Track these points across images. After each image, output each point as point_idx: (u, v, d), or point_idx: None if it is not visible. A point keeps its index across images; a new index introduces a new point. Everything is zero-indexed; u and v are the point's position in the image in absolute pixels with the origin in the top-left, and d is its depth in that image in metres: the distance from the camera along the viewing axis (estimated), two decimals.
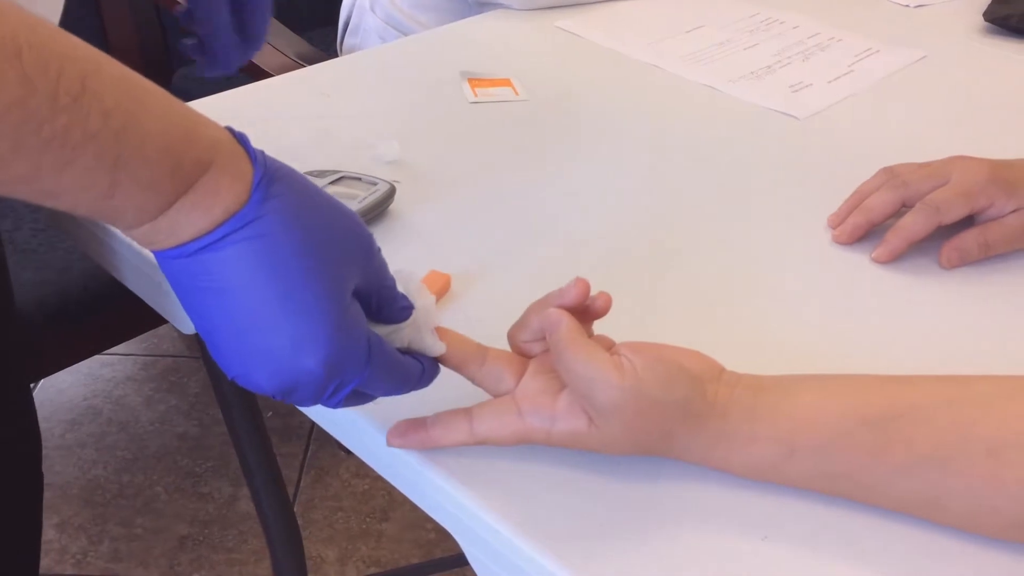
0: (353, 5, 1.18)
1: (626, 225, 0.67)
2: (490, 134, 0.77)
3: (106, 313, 1.13)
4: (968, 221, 0.63)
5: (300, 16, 1.50)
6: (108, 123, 0.33)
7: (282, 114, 0.79)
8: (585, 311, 0.46)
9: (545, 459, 0.47)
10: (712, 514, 0.44)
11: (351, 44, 1.19)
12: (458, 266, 0.60)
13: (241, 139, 0.39)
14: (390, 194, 0.65)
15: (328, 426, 0.54)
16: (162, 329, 1.65)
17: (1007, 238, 0.62)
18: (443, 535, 0.48)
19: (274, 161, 0.39)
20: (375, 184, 0.65)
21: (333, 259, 0.39)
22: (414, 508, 0.49)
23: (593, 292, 0.46)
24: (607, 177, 0.72)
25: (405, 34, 1.08)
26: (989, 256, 0.62)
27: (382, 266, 0.43)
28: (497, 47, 0.92)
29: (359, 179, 0.66)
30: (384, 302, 0.43)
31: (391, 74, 0.87)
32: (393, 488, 0.50)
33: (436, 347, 0.46)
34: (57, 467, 1.50)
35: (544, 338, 0.45)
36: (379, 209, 0.64)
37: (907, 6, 1.05)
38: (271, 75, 1.07)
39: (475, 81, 0.84)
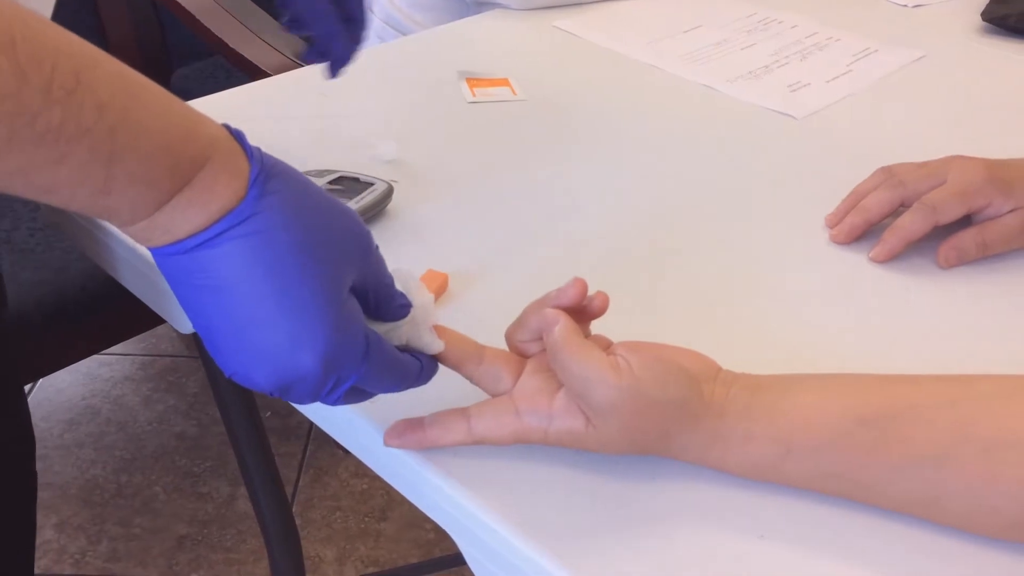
0: None
1: (624, 225, 0.67)
2: (488, 134, 0.77)
3: (104, 313, 1.13)
4: (965, 221, 0.63)
5: None
6: (103, 118, 0.33)
7: (280, 113, 0.79)
8: (582, 311, 0.46)
9: (542, 459, 0.47)
10: (709, 513, 0.45)
11: None
12: (456, 265, 0.60)
13: (238, 136, 0.39)
14: (388, 193, 0.65)
15: (326, 426, 0.54)
16: (160, 329, 1.65)
17: (1004, 237, 0.62)
18: (442, 535, 0.48)
19: (271, 158, 0.39)
20: (373, 184, 0.65)
21: (330, 256, 0.39)
22: (413, 508, 0.49)
23: (591, 292, 0.46)
24: (605, 177, 0.72)
25: (403, 34, 1.08)
26: (987, 256, 0.62)
27: (379, 263, 0.43)
28: (495, 47, 0.92)
29: (357, 179, 0.66)
30: (382, 300, 0.43)
31: (389, 74, 0.87)
32: (392, 488, 0.50)
33: (434, 345, 0.46)
34: (56, 467, 1.50)
35: (542, 338, 0.46)
36: (377, 208, 0.64)
37: (905, 6, 1.05)
38: (269, 75, 1.07)
39: (473, 81, 0.84)
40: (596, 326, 0.48)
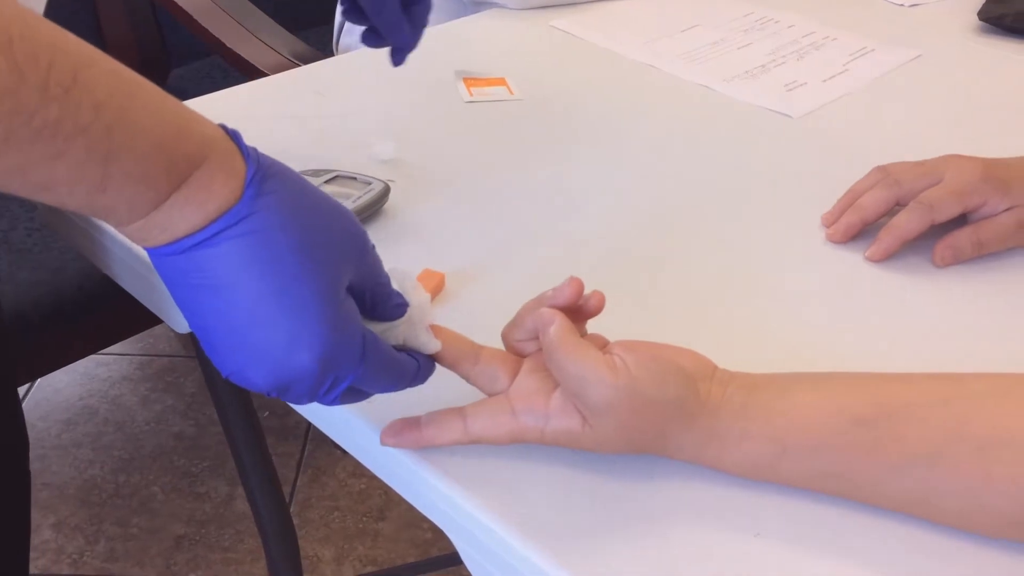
0: None
1: (620, 224, 0.67)
2: (485, 133, 0.78)
3: (101, 313, 1.13)
4: (961, 220, 0.63)
5: (296, 15, 1.50)
6: (99, 116, 0.33)
7: (277, 113, 0.79)
8: (579, 310, 0.47)
9: (539, 458, 0.47)
10: (705, 512, 0.45)
11: (347, 43, 1.19)
12: (453, 265, 0.60)
13: (234, 136, 0.39)
14: (385, 193, 0.65)
15: (323, 425, 0.54)
16: (158, 329, 1.65)
17: (1000, 236, 0.62)
18: (439, 534, 0.48)
19: (267, 158, 0.39)
20: (370, 183, 0.65)
21: (327, 255, 0.39)
22: (411, 507, 0.49)
23: (588, 291, 0.46)
24: (601, 176, 0.72)
25: None
26: (982, 254, 0.62)
27: (376, 263, 0.43)
28: (492, 46, 0.92)
29: (354, 178, 0.66)
30: (378, 299, 0.43)
31: (386, 73, 0.86)
32: (390, 487, 0.50)
33: (431, 344, 0.46)
34: (53, 467, 1.50)
35: (538, 337, 0.46)
36: (374, 208, 0.64)
37: (902, 5, 1.05)
38: (267, 74, 1.07)
39: (470, 80, 0.84)
40: (593, 325, 0.48)
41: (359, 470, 1.51)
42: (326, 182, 0.65)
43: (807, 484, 0.44)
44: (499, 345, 0.48)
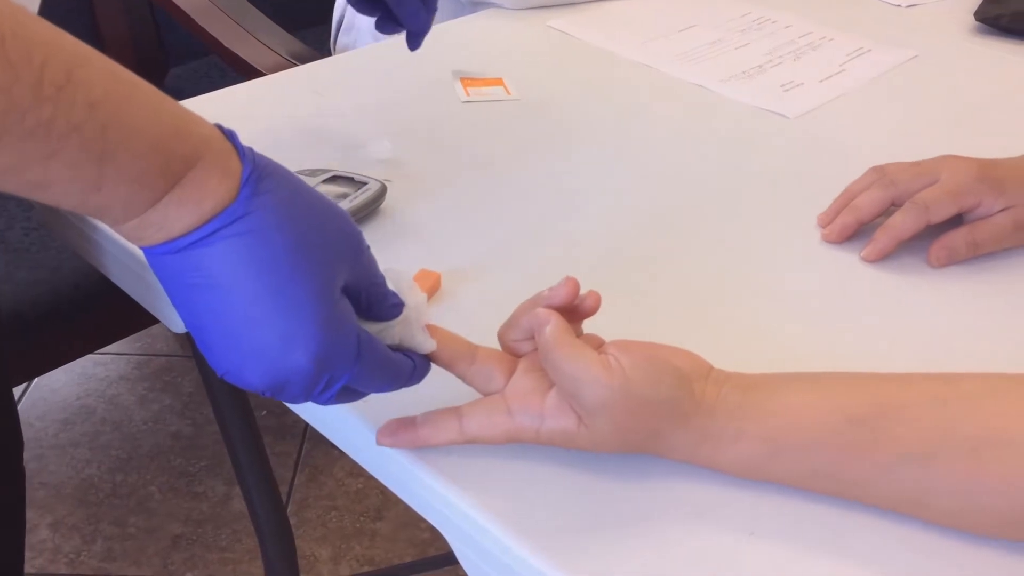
0: (346, 4, 1.18)
1: (617, 224, 0.67)
2: (482, 133, 0.78)
3: (99, 312, 1.13)
4: (957, 220, 0.63)
5: (294, 15, 1.50)
6: (94, 115, 0.33)
7: (274, 113, 0.79)
8: (575, 310, 0.47)
9: (534, 457, 0.47)
10: (700, 511, 0.45)
11: (344, 43, 1.19)
12: (449, 265, 0.60)
13: (230, 136, 0.39)
14: (381, 193, 0.65)
15: (319, 425, 0.54)
16: (155, 328, 1.65)
17: (995, 237, 0.62)
18: (437, 534, 0.48)
19: (263, 158, 0.39)
20: (366, 183, 0.65)
21: (322, 255, 0.39)
22: (408, 507, 0.49)
23: (584, 291, 0.46)
24: (598, 176, 0.72)
25: None
26: (977, 255, 0.62)
27: (371, 263, 0.43)
28: (490, 46, 0.92)
29: (351, 178, 0.66)
30: (374, 299, 0.43)
31: (383, 73, 0.87)
32: (387, 487, 0.50)
33: (426, 344, 0.46)
34: (51, 467, 1.50)
35: (534, 337, 0.46)
36: (370, 208, 0.64)
37: (899, 6, 1.05)
38: (264, 74, 1.07)
39: (467, 80, 0.84)
40: (589, 325, 0.48)
41: (357, 470, 1.51)
42: (323, 181, 0.65)
43: (801, 484, 0.44)
44: (495, 345, 0.48)
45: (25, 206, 1.18)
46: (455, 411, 0.46)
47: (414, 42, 0.72)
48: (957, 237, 0.62)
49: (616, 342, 0.45)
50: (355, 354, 0.41)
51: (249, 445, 0.87)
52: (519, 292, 0.48)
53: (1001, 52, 0.95)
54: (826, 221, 0.66)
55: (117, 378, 1.67)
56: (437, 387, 0.47)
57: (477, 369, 0.47)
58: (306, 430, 1.58)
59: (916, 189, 0.63)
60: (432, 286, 0.58)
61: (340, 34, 1.20)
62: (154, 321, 1.09)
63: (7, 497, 0.80)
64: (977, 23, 0.99)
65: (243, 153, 0.38)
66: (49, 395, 1.63)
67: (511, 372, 0.47)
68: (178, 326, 0.61)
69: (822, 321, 0.58)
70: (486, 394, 0.47)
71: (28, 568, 1.34)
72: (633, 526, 0.44)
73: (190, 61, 1.52)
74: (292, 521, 1.43)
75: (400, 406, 0.47)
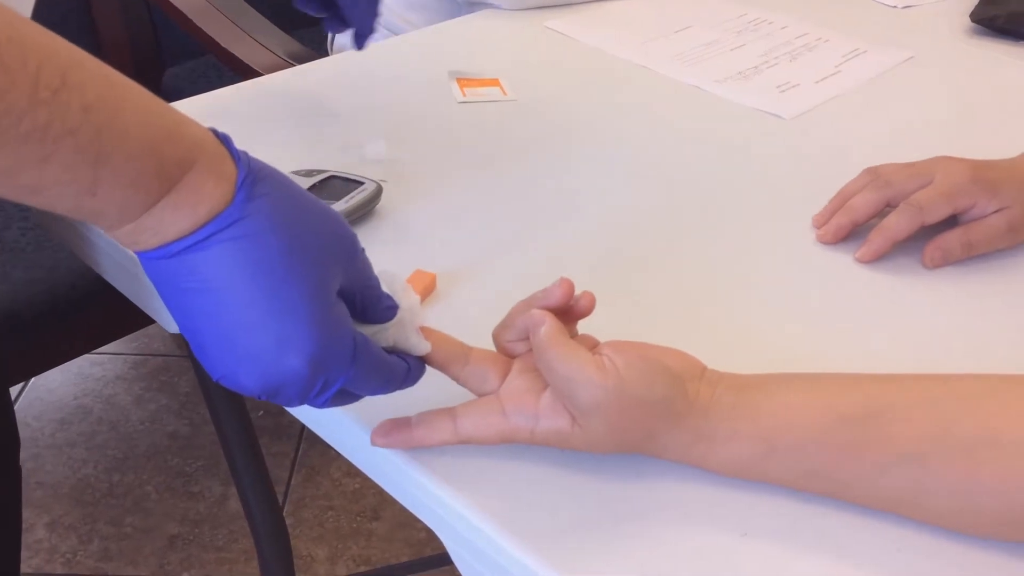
0: None
1: (612, 225, 0.67)
2: (478, 134, 0.78)
3: (95, 312, 1.13)
4: (951, 221, 0.63)
5: (291, 15, 1.50)
6: (89, 119, 0.33)
7: (271, 113, 0.79)
8: (569, 311, 0.47)
9: (528, 458, 0.47)
10: (693, 511, 0.45)
11: (342, 43, 1.19)
12: (444, 265, 0.60)
13: (224, 140, 0.39)
14: (377, 193, 0.65)
15: (314, 425, 0.54)
16: (152, 328, 1.65)
17: (989, 238, 0.62)
18: (433, 534, 0.48)
19: (257, 162, 0.39)
20: (362, 183, 0.65)
21: (317, 259, 0.39)
22: (404, 507, 0.50)
23: (579, 292, 0.47)
24: (594, 177, 0.73)
25: (395, 33, 1.08)
26: (971, 256, 0.63)
27: (366, 266, 0.43)
28: (486, 47, 0.92)
29: (347, 178, 0.66)
30: (369, 302, 0.44)
31: (380, 73, 0.87)
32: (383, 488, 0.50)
33: (421, 346, 0.46)
34: (47, 466, 1.50)
35: (528, 338, 0.46)
36: (366, 208, 0.64)
37: (895, 7, 1.05)
38: (261, 74, 1.07)
39: (463, 81, 0.85)
40: (584, 325, 0.48)
41: (353, 470, 1.50)
42: (319, 182, 0.65)
43: (795, 484, 0.44)
44: (490, 346, 0.48)
45: (22, 206, 1.17)
46: (449, 412, 0.46)
47: (360, 42, 0.73)
48: (951, 238, 0.62)
49: (610, 343, 0.46)
50: (350, 357, 0.41)
51: (245, 445, 0.87)
52: (514, 293, 0.49)
53: (997, 53, 0.95)
54: (821, 222, 0.66)
55: (114, 378, 1.67)
56: (432, 388, 0.47)
57: (471, 370, 0.47)
58: (303, 431, 1.58)
59: (910, 190, 0.63)
60: (427, 287, 0.58)
61: (337, 35, 1.20)
62: (150, 321, 1.09)
63: (3, 496, 0.80)
64: (973, 24, 0.99)
65: (238, 157, 0.38)
66: (46, 395, 1.63)
67: (505, 373, 0.47)
68: (173, 326, 0.61)
69: (817, 322, 0.58)
70: (480, 395, 0.47)
71: (25, 568, 1.34)
72: (627, 526, 0.44)
73: (187, 61, 1.52)
74: (289, 521, 1.43)
75: (395, 407, 0.47)
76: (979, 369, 0.46)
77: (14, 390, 1.61)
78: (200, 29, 1.25)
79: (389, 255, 0.61)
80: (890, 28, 1.00)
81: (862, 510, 0.44)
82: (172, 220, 0.36)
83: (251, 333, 0.38)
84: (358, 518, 1.45)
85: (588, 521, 0.44)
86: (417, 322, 0.46)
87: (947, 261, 0.62)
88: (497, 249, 0.64)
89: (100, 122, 0.33)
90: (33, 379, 1.64)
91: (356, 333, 0.42)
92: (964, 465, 0.42)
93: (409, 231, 0.65)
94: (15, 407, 1.57)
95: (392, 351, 0.45)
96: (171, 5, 1.27)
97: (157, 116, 0.36)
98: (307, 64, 0.91)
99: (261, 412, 1.59)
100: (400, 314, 0.45)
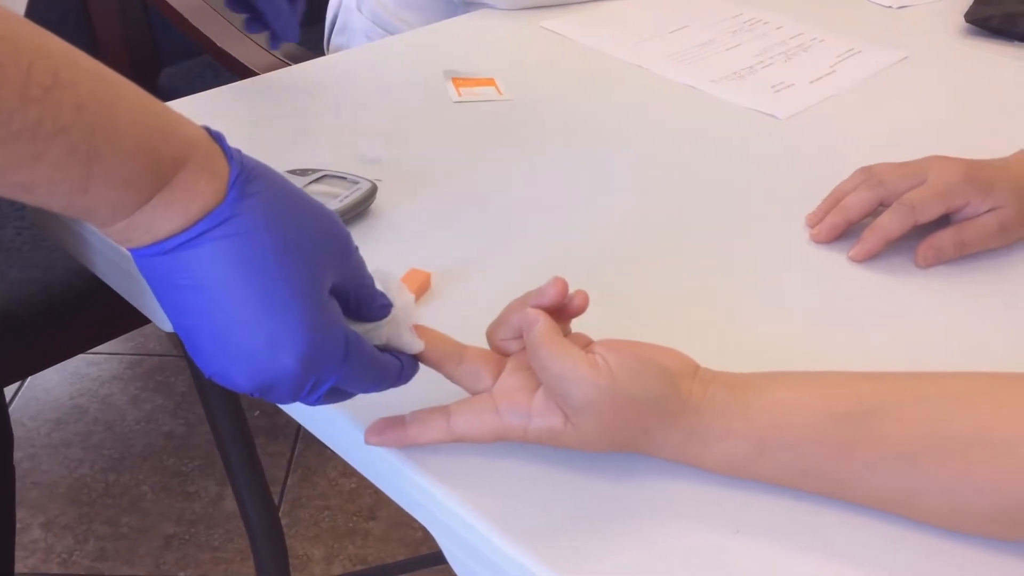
0: (339, 5, 1.18)
1: (606, 224, 0.67)
2: (473, 133, 0.78)
3: (91, 311, 1.13)
4: (944, 220, 0.63)
5: None
6: (81, 116, 0.33)
7: (266, 112, 0.79)
8: (563, 310, 0.47)
9: (521, 456, 0.47)
10: (686, 509, 0.45)
11: (338, 43, 1.19)
12: (439, 264, 0.61)
13: (217, 138, 0.39)
14: (372, 192, 0.65)
15: (308, 424, 0.54)
16: (148, 328, 1.65)
17: (982, 237, 0.62)
18: (430, 534, 0.48)
19: (251, 160, 0.39)
20: (357, 183, 0.65)
21: (310, 257, 0.39)
22: (401, 507, 0.50)
23: (572, 291, 0.47)
24: (588, 177, 0.73)
25: (391, 33, 1.08)
26: (964, 255, 0.63)
27: (359, 264, 0.43)
28: (481, 47, 0.93)
29: (342, 177, 0.66)
30: (362, 300, 0.44)
31: (375, 73, 0.87)
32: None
33: (414, 344, 0.46)
34: (43, 466, 1.50)
35: (522, 336, 0.46)
36: (360, 207, 0.65)
37: (890, 7, 1.05)
38: (257, 74, 1.07)
39: (459, 80, 0.85)
40: (577, 324, 0.48)
41: (350, 470, 1.50)
42: (314, 181, 0.66)
43: (788, 482, 0.45)
44: (484, 344, 0.48)
45: (18, 205, 1.18)
46: (443, 410, 0.46)
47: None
48: (944, 237, 0.62)
49: (604, 341, 0.46)
50: (343, 355, 0.41)
51: (240, 445, 0.87)
52: (508, 292, 0.49)
53: (991, 53, 0.95)
54: (815, 221, 0.66)
55: (110, 378, 1.67)
56: (425, 387, 0.47)
57: (465, 369, 0.47)
58: (299, 430, 1.58)
59: (904, 189, 0.63)
60: (422, 286, 0.58)
61: (334, 35, 1.20)
62: (147, 321, 1.10)
63: None
64: (967, 24, 0.99)
65: (230, 155, 0.38)
66: (42, 395, 1.62)
67: (499, 371, 0.47)
68: (168, 325, 0.61)
69: (810, 320, 0.58)
70: (474, 393, 0.47)
71: (21, 568, 1.34)
72: (620, 524, 0.44)
73: (183, 61, 1.52)
74: (285, 521, 1.43)
75: (389, 406, 0.47)
76: (972, 368, 0.47)
77: (10, 390, 1.61)
78: (196, 29, 1.25)
79: (384, 254, 0.61)
80: (885, 28, 1.00)
81: (855, 508, 0.44)
82: (164, 217, 0.37)
83: (243, 331, 0.38)
84: (354, 518, 1.45)
85: (581, 519, 0.45)
86: (411, 320, 0.46)
87: (940, 260, 0.62)
88: (491, 248, 0.64)
89: (92, 120, 0.34)
90: (29, 379, 1.64)
91: (349, 331, 0.42)
92: (956, 464, 0.42)
93: (404, 230, 0.65)
94: (11, 407, 1.58)
95: (386, 349, 0.45)
96: (167, 5, 1.27)
97: (150, 115, 0.36)
98: (302, 64, 0.91)
99: (257, 412, 1.60)
100: (394, 312, 0.45)
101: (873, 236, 0.62)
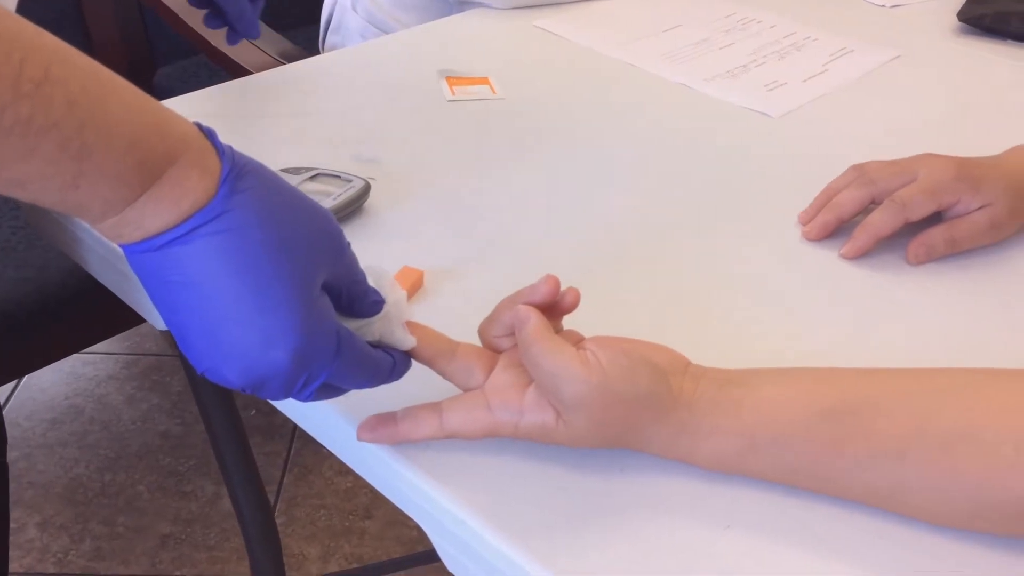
0: (335, 4, 1.18)
1: (599, 222, 0.67)
2: (467, 132, 0.78)
3: (87, 311, 1.13)
4: (935, 218, 0.63)
5: (284, 15, 1.50)
6: (72, 112, 0.33)
7: (261, 111, 0.79)
8: (555, 307, 0.47)
9: (513, 452, 0.47)
10: (677, 504, 0.45)
11: (333, 43, 1.19)
12: (432, 262, 0.61)
13: (209, 134, 0.39)
14: (365, 191, 0.65)
15: (301, 421, 0.54)
16: (144, 327, 1.65)
17: (972, 234, 0.63)
18: (426, 533, 0.48)
19: (242, 156, 0.40)
20: (351, 181, 0.65)
21: (301, 253, 0.40)
22: (397, 506, 0.50)
23: (564, 287, 0.47)
24: (582, 175, 0.73)
25: (386, 32, 1.08)
26: (955, 252, 0.63)
27: (352, 261, 0.44)
28: (475, 46, 0.93)
29: (336, 176, 0.66)
30: (355, 296, 0.44)
31: (370, 72, 0.87)
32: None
33: (406, 341, 0.46)
34: (39, 466, 1.50)
35: (514, 333, 0.46)
36: (354, 206, 0.65)
37: (883, 6, 1.06)
38: (252, 73, 1.07)
39: (453, 79, 0.85)
40: (569, 321, 0.48)
41: (346, 468, 1.50)
42: (307, 179, 0.66)
43: (777, 478, 0.45)
44: (477, 341, 0.49)
45: (12, 204, 1.18)
46: (435, 406, 0.46)
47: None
48: (935, 235, 0.63)
49: (595, 338, 0.46)
50: (334, 351, 0.41)
51: (235, 444, 0.87)
52: (501, 290, 0.49)
53: (984, 52, 0.95)
54: (806, 219, 0.66)
55: (106, 377, 1.67)
56: (418, 383, 0.47)
57: (457, 365, 0.47)
58: (295, 429, 1.58)
59: (895, 187, 0.63)
60: (415, 283, 0.59)
61: (329, 34, 1.20)
62: (142, 320, 1.10)
63: None
64: (960, 23, 0.99)
65: (222, 151, 0.38)
66: (38, 394, 1.62)
67: (491, 368, 0.47)
68: (162, 323, 0.61)
69: (802, 317, 0.59)
70: (466, 390, 0.47)
71: (16, 567, 1.34)
72: (611, 520, 0.45)
73: (178, 60, 1.52)
74: (281, 520, 1.43)
75: (381, 402, 0.48)
76: (963, 364, 0.47)
77: (6, 389, 1.61)
78: (192, 29, 1.25)
79: (377, 252, 0.62)
80: (878, 27, 1.00)
81: (844, 503, 0.45)
82: (155, 214, 0.37)
83: (235, 327, 0.38)
84: (350, 517, 1.45)
85: (573, 514, 0.45)
86: (403, 317, 0.46)
87: (931, 257, 0.63)
88: (485, 246, 0.64)
89: (83, 116, 0.34)
90: (25, 378, 1.63)
91: (340, 327, 0.42)
92: (943, 459, 0.42)
93: (397, 228, 0.65)
94: (7, 406, 1.58)
95: (378, 345, 0.46)
96: (163, 5, 1.27)
97: (141, 111, 0.36)
98: (296, 63, 0.91)
99: (254, 411, 1.60)
100: (386, 309, 0.45)
101: (864, 234, 0.63)
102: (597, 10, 1.01)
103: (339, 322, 0.42)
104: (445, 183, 0.71)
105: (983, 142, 0.70)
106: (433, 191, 0.69)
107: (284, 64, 0.98)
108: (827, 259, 0.64)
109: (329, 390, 0.44)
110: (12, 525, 1.37)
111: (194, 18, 1.26)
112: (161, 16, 1.29)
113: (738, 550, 0.43)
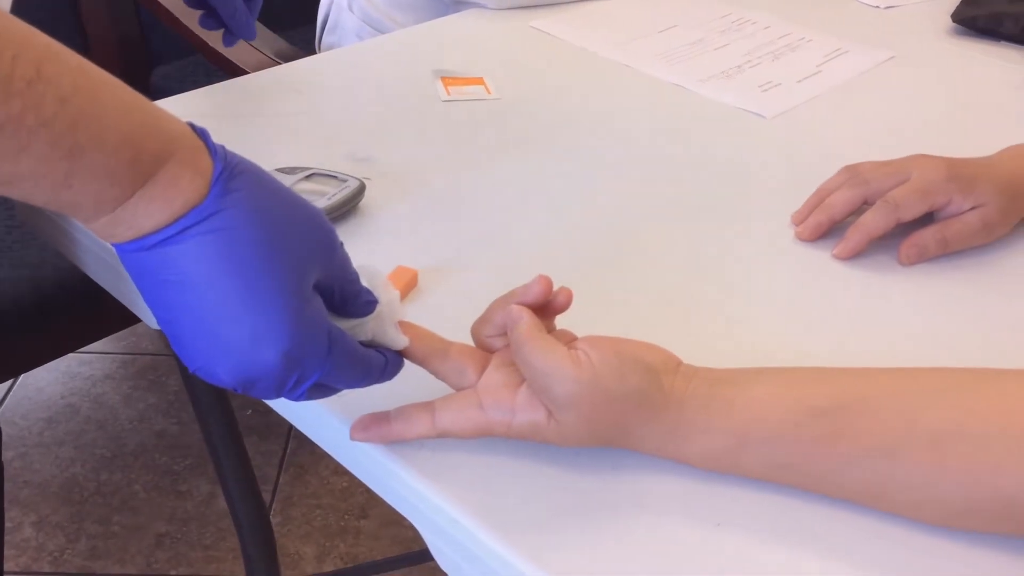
0: (331, 4, 1.19)
1: (593, 222, 0.68)
2: (461, 132, 0.78)
3: (82, 310, 1.13)
4: (928, 218, 0.64)
5: (281, 15, 1.50)
6: (64, 110, 0.33)
7: (257, 110, 0.79)
8: (547, 307, 0.47)
9: (505, 451, 0.47)
10: (668, 503, 0.45)
11: (329, 42, 1.19)
12: (426, 262, 0.61)
13: (202, 134, 0.39)
14: (360, 191, 0.66)
15: (295, 421, 0.55)
16: (140, 327, 1.64)
17: (964, 235, 0.63)
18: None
19: (235, 156, 0.40)
20: (345, 181, 0.66)
21: (293, 253, 0.40)
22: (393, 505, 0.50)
23: (557, 288, 0.47)
24: (576, 175, 0.73)
25: (382, 32, 1.08)
26: (947, 252, 0.63)
27: (344, 261, 0.44)
28: (471, 46, 0.93)
29: (331, 176, 0.66)
30: (347, 296, 0.44)
31: (365, 72, 0.87)
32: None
33: (399, 340, 0.46)
34: (35, 465, 1.50)
35: (506, 333, 0.46)
36: (349, 205, 0.65)
37: (877, 7, 1.06)
38: (248, 73, 1.07)
39: (448, 79, 0.85)
40: (562, 321, 0.49)
41: (341, 468, 1.50)
42: (302, 179, 0.66)
43: (767, 476, 0.45)
44: (470, 341, 0.49)
45: (6, 204, 1.18)
46: (428, 406, 0.46)
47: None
48: (927, 235, 0.63)
49: (587, 337, 0.46)
50: (326, 351, 0.41)
51: (231, 444, 0.88)
52: (494, 289, 0.49)
53: (976, 53, 0.96)
54: (799, 219, 0.66)
55: (102, 377, 1.67)
56: (411, 383, 0.48)
57: (450, 365, 0.47)
58: (291, 429, 1.58)
59: (887, 188, 0.64)
60: (409, 283, 0.59)
61: (325, 34, 1.20)
62: (138, 319, 1.10)
63: None
64: (954, 24, 1.00)
65: (214, 151, 0.39)
66: (34, 394, 1.62)
67: (484, 368, 0.47)
68: (156, 322, 0.61)
69: (794, 318, 0.59)
70: (459, 389, 0.47)
71: (12, 566, 1.34)
72: (602, 518, 0.45)
73: (175, 60, 1.52)
74: (277, 519, 1.43)
75: (375, 402, 0.48)
76: (952, 364, 0.47)
77: (1, 388, 1.61)
78: (188, 29, 1.25)
79: (372, 252, 0.62)
80: (872, 28, 1.01)
81: (834, 501, 0.45)
82: (147, 213, 0.37)
83: (226, 326, 0.38)
84: (346, 516, 1.46)
85: (565, 513, 0.45)
86: (396, 317, 0.46)
87: (922, 258, 0.63)
88: (478, 246, 0.64)
89: (75, 114, 0.34)
90: (20, 378, 1.63)
91: (332, 327, 0.42)
92: (931, 457, 0.42)
93: (392, 228, 0.65)
94: (2, 406, 1.58)
95: (371, 345, 0.46)
96: (159, 5, 1.27)
97: (133, 110, 0.36)
98: (292, 62, 0.91)
99: (250, 411, 1.60)
100: (379, 308, 0.45)
101: (857, 234, 0.63)
102: (592, 11, 1.01)
103: (331, 322, 0.42)
104: (440, 183, 0.71)
105: (976, 143, 0.70)
106: (428, 191, 0.70)
107: (280, 64, 0.98)
108: (820, 259, 0.64)
109: (322, 390, 0.44)
110: (8, 524, 1.37)
111: (190, 18, 1.26)
112: (157, 16, 1.29)
113: (729, 548, 0.44)
